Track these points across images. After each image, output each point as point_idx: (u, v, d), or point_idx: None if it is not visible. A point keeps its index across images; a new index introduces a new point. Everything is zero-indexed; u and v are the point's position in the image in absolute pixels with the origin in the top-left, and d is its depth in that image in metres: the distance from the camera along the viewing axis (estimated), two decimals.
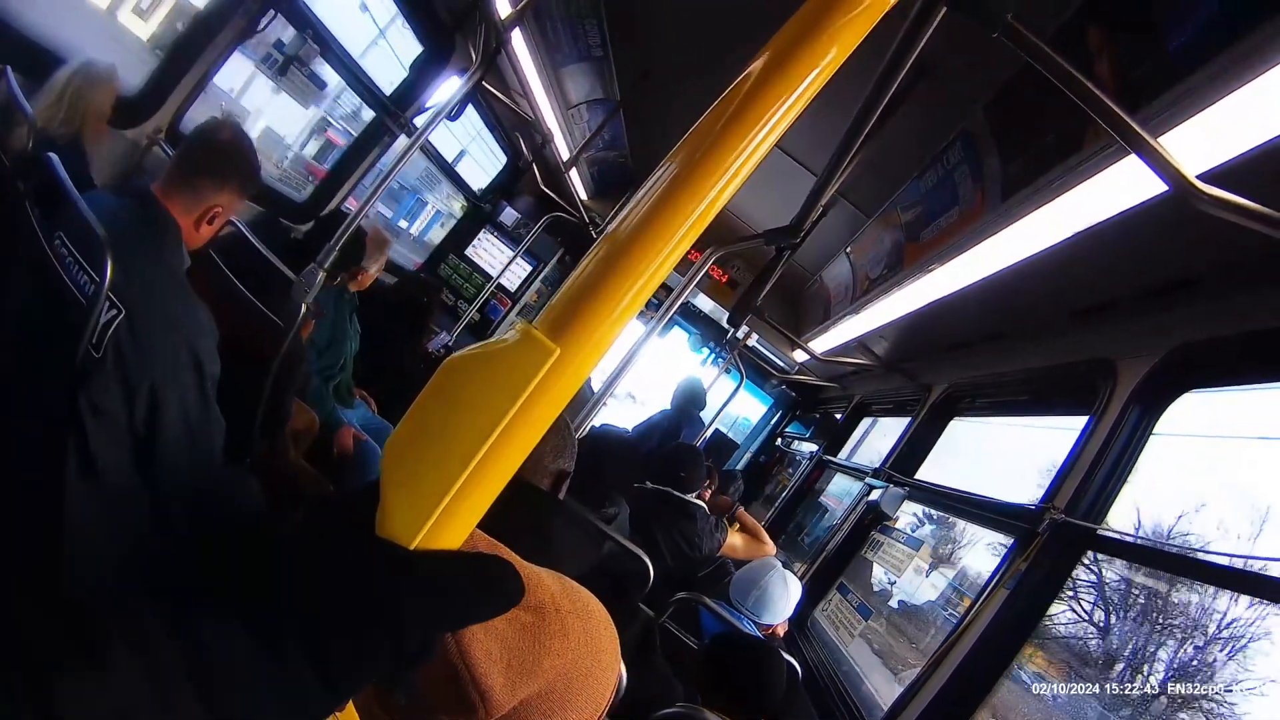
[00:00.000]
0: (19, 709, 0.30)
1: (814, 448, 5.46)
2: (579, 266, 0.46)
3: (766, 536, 3.68)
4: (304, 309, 2.09)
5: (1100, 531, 1.97)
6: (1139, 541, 1.92)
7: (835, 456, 4.89)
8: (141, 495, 1.46)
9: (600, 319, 0.44)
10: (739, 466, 7.00)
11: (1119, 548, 1.93)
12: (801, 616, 3.31)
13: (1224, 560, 1.72)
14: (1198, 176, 1.26)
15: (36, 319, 1.50)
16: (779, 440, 7.08)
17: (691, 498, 3.19)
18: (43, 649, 0.32)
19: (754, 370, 6.92)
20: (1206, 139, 1.39)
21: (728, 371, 6.39)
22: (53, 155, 1.61)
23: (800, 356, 5.85)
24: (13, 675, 0.31)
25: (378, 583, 0.42)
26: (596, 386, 2.90)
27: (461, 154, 8.72)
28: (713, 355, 7.14)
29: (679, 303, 2.53)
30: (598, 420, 4.78)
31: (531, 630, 0.71)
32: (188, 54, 2.71)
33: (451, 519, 0.42)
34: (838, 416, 5.61)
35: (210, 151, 1.73)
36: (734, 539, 3.37)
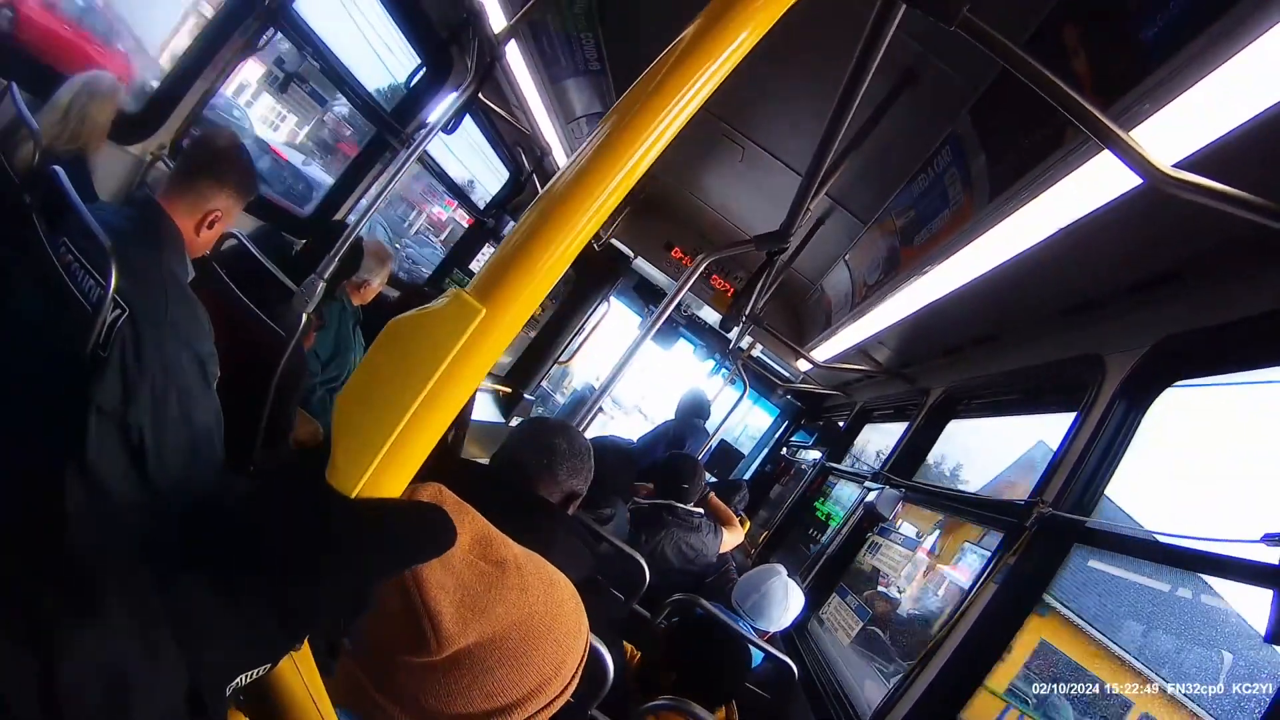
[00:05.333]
0: (25, 659, 0.34)
1: (818, 455, 5.46)
2: (511, 232, 0.51)
3: (733, 517, 3.68)
4: (305, 319, 2.14)
5: (1089, 524, 1.98)
6: (1128, 533, 1.92)
7: (838, 464, 4.89)
8: (142, 495, 1.51)
9: (524, 280, 0.48)
10: (746, 476, 7.00)
11: (1107, 539, 1.94)
12: (803, 619, 3.31)
13: (1216, 549, 1.70)
14: (1172, 166, 1.29)
15: (45, 325, 1.55)
16: (784, 449, 7.08)
17: (694, 508, 3.22)
18: (47, 608, 0.36)
19: (759, 381, 6.93)
20: (1178, 128, 1.42)
21: (732, 382, 6.40)
22: (58, 168, 1.66)
23: (804, 366, 5.86)
24: (19, 629, 0.34)
25: (320, 522, 0.45)
26: (597, 388, 2.94)
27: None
28: (718, 366, 7.17)
29: (673, 306, 2.56)
30: (607, 432, 4.79)
31: (489, 578, 0.74)
32: (190, 71, 2.74)
33: (390, 467, 0.46)
34: (840, 424, 5.61)
35: (208, 155, 1.81)
36: (725, 534, 3.40)
